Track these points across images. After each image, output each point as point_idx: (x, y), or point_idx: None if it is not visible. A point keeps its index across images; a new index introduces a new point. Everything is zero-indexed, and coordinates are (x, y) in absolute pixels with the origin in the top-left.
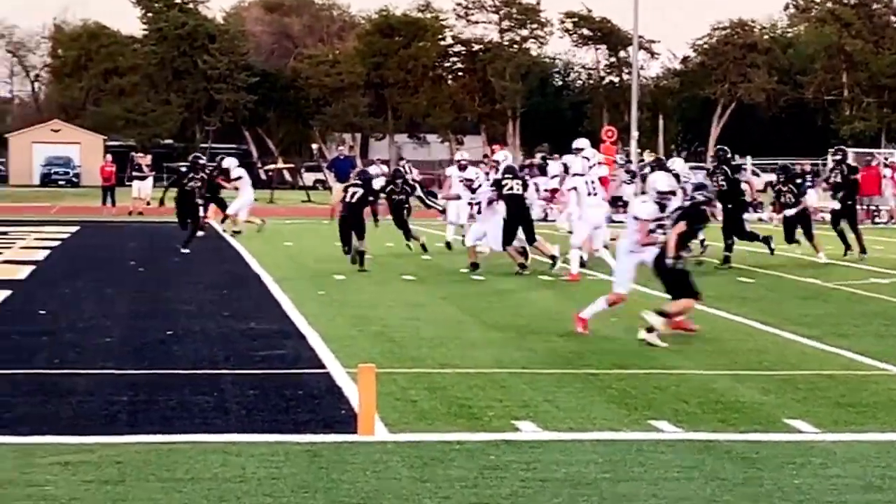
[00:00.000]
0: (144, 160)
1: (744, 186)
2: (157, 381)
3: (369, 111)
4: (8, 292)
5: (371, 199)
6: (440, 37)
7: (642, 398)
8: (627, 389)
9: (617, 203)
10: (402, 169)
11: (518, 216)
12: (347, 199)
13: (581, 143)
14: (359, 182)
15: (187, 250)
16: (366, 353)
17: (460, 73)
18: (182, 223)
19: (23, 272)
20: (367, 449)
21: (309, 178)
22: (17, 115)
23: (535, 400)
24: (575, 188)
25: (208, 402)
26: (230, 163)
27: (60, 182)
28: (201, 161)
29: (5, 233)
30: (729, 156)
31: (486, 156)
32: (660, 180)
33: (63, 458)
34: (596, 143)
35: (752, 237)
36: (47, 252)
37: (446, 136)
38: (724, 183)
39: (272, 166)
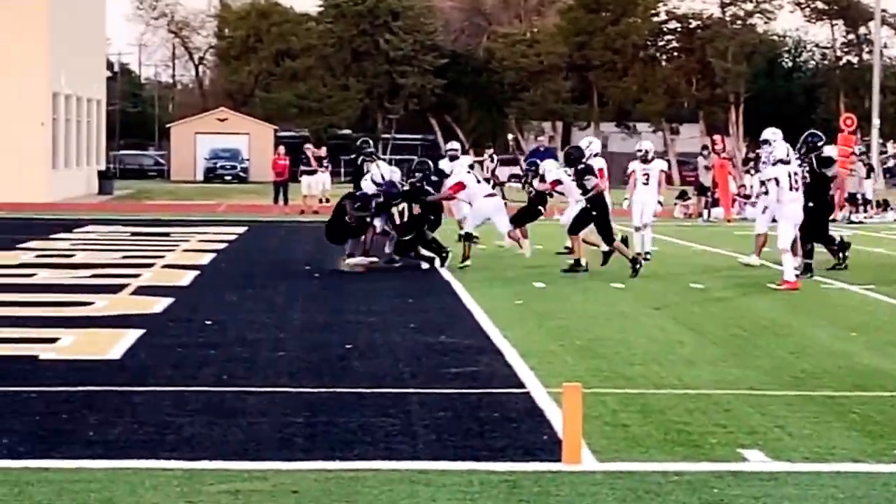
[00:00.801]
0: (318, 153)
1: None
2: (336, 401)
3: (572, 97)
4: (170, 300)
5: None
6: (653, 12)
7: (890, 425)
8: (871, 415)
9: (855, 200)
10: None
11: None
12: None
13: (770, 133)
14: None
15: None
16: (570, 371)
17: (675, 54)
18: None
19: (186, 278)
20: (573, 479)
21: (503, 172)
22: (180, 102)
23: (763, 426)
24: (776, 179)
25: (393, 425)
26: (459, 163)
27: (227, 177)
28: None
29: (166, 234)
30: (820, 143)
31: (704, 147)
32: None
33: (233, 486)
34: (831, 133)
35: (830, 242)
36: (212, 255)
37: (659, 124)
38: (807, 176)
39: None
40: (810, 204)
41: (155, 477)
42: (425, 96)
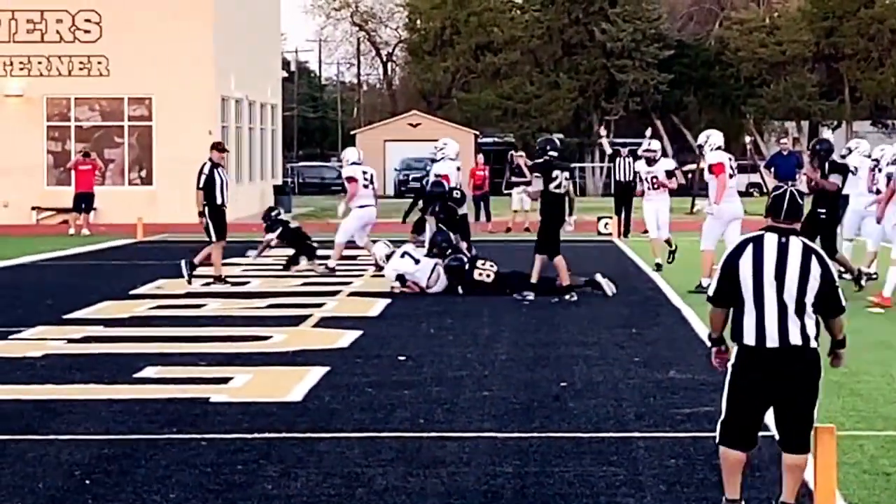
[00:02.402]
0: (527, 160)
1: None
2: (549, 448)
3: (820, 92)
4: (357, 333)
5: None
6: None
7: None
8: None
9: None
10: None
11: None
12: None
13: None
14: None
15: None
16: (822, 411)
17: None
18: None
19: (376, 307)
20: None
21: (739, 181)
22: (366, 105)
23: None
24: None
25: (616, 475)
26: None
27: None
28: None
29: (353, 257)
30: (827, 146)
31: None
32: None
33: None
34: None
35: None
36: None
37: None
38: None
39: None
40: (819, 211)
41: None
42: (648, 94)
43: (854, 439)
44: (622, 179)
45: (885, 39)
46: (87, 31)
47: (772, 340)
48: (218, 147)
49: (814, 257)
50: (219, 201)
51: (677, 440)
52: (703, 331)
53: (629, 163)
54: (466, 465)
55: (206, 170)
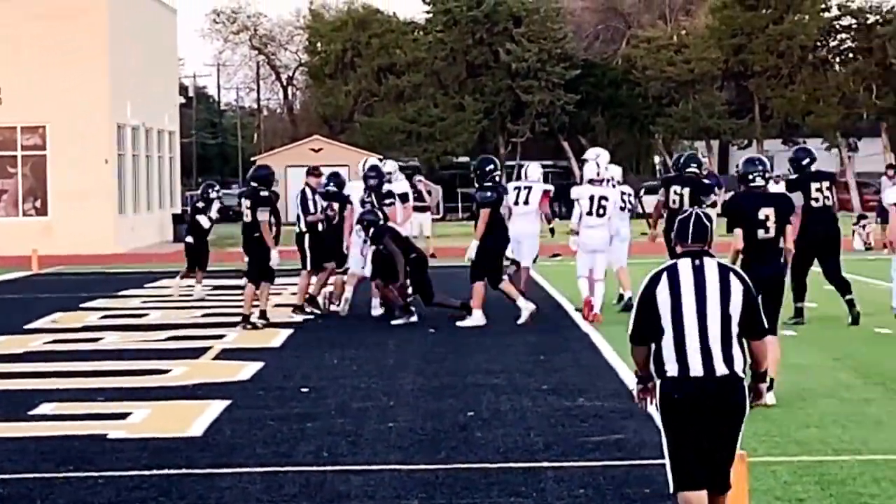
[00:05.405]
0: (427, 185)
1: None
2: (456, 479)
3: (729, 110)
4: (259, 364)
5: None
6: (822, 7)
7: None
8: None
9: None
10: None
11: None
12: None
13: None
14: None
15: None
16: None
17: (851, 56)
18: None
19: (278, 338)
20: None
21: (649, 201)
22: (267, 130)
23: None
24: None
25: None
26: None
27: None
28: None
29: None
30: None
31: (890, 166)
32: None
33: None
34: None
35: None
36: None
37: (834, 140)
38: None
39: None
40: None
41: None
42: (555, 115)
43: (766, 465)
44: None
45: (794, 56)
46: None
47: (695, 370)
48: (315, 172)
49: (732, 275)
50: (320, 228)
51: (587, 469)
52: (612, 356)
53: None
54: (371, 499)
55: (309, 195)
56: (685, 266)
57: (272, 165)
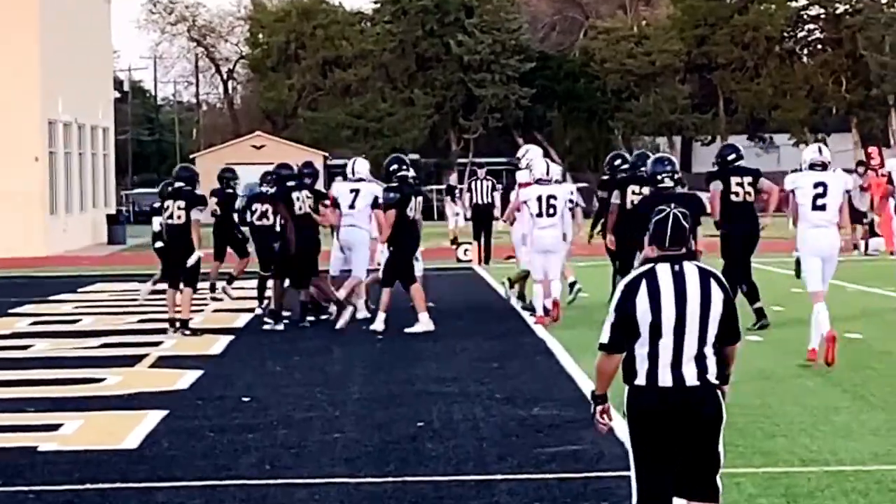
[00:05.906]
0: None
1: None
2: (406, 493)
3: (692, 105)
4: (198, 373)
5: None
6: None
7: None
8: None
9: None
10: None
11: None
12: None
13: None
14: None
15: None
16: None
17: (819, 47)
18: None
19: (218, 345)
20: None
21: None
22: (206, 126)
23: None
24: None
25: None
26: None
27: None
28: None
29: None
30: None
31: (860, 163)
32: None
33: None
34: None
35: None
36: (250, 315)
37: (801, 135)
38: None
39: None
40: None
41: None
42: (509, 109)
43: (731, 477)
44: (480, 202)
45: (760, 48)
46: None
47: (664, 380)
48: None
49: (713, 282)
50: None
51: (542, 482)
52: (568, 363)
53: (487, 185)
54: None
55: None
56: (664, 272)
57: (212, 163)
